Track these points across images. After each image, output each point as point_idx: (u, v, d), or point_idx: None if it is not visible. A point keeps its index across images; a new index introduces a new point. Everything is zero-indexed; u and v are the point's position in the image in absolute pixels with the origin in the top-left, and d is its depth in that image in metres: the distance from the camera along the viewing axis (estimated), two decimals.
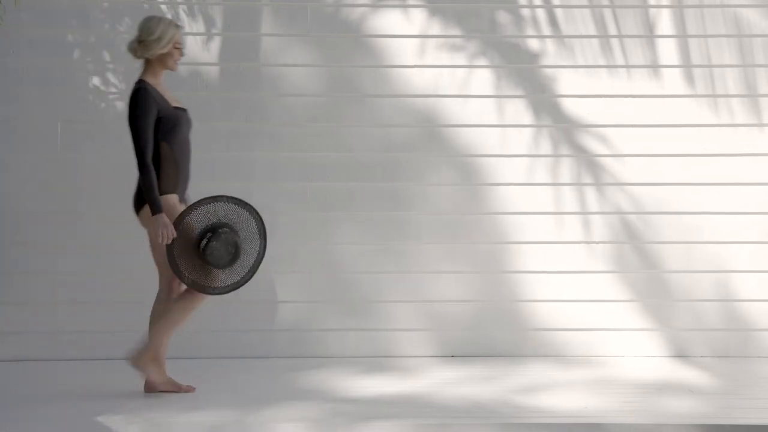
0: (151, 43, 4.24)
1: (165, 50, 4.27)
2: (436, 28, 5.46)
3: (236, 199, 4.29)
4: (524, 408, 4.03)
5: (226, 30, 5.44)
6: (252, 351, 5.33)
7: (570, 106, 5.43)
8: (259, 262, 4.30)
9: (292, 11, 5.45)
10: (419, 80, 5.43)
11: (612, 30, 5.45)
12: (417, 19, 5.46)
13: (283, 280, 5.38)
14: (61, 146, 5.35)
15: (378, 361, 5.14)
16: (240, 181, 5.38)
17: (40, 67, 5.36)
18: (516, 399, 4.19)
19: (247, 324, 5.38)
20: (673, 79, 5.44)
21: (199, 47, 5.43)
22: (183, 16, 5.44)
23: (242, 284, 4.29)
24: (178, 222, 4.17)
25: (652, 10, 5.46)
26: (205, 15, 5.45)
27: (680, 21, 5.45)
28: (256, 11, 5.45)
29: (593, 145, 5.41)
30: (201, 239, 4.19)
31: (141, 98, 4.15)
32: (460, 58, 5.45)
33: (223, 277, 4.24)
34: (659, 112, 5.42)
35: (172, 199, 4.26)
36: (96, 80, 5.40)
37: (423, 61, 5.43)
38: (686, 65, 5.44)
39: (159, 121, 4.20)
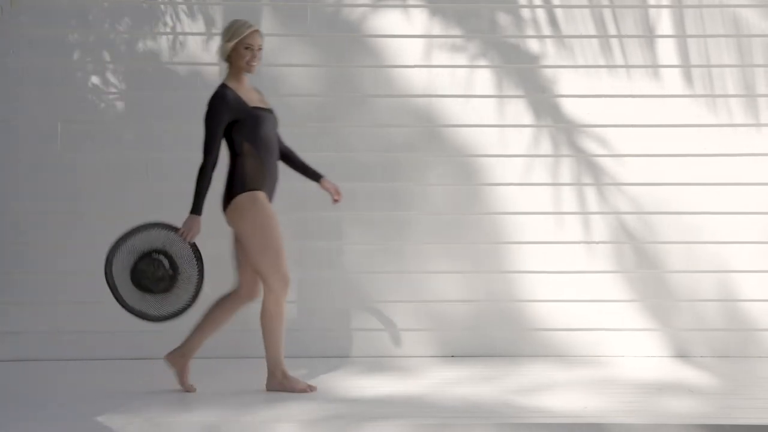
0: (225, 44, 4.37)
1: (238, 51, 4.35)
2: (436, 28, 5.46)
3: (168, 225, 4.30)
4: (524, 408, 4.03)
5: None
6: (251, 351, 5.32)
7: (570, 106, 5.43)
8: (200, 286, 4.33)
9: (292, 11, 5.45)
10: (419, 80, 5.43)
11: (612, 30, 5.45)
12: (417, 19, 5.46)
13: None
14: (61, 146, 5.35)
15: (377, 361, 5.14)
16: None
17: (40, 67, 5.36)
18: (516, 399, 4.19)
19: (246, 324, 5.37)
20: (672, 80, 5.44)
21: (199, 47, 5.43)
22: (183, 16, 5.44)
23: (185, 310, 4.32)
24: (114, 251, 4.24)
25: (651, 11, 5.46)
26: (205, 15, 5.45)
27: (679, 21, 5.45)
28: (256, 11, 5.45)
29: (593, 146, 5.41)
30: (134, 265, 4.24)
31: (213, 103, 4.28)
32: (461, 58, 5.45)
33: (164, 304, 4.27)
34: (659, 112, 5.41)
35: (261, 195, 4.33)
36: (96, 80, 5.40)
37: (423, 61, 5.43)
38: (685, 65, 5.44)
39: (237, 122, 4.29)
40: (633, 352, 5.34)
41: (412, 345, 5.37)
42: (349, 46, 5.46)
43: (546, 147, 5.42)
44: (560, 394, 4.33)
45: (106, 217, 5.33)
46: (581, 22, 5.46)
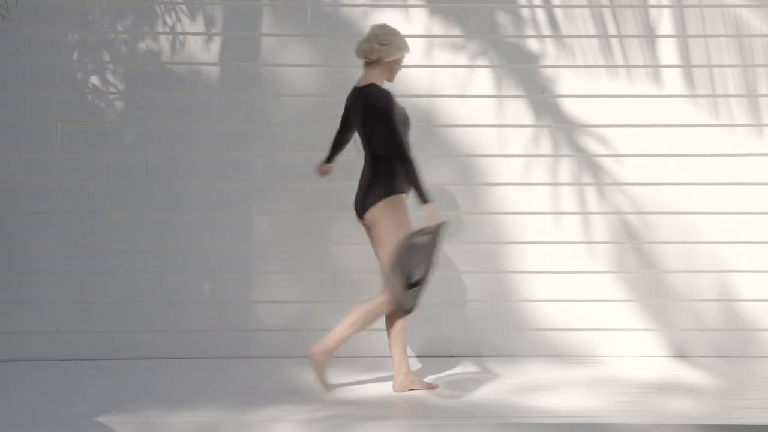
0: (390, 48, 4.44)
1: (399, 56, 4.49)
2: (436, 27, 5.46)
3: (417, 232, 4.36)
4: (524, 408, 4.03)
5: (226, 30, 5.44)
6: (251, 351, 5.33)
7: (570, 106, 5.42)
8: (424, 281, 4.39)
9: (292, 11, 5.45)
10: (419, 80, 5.42)
11: (612, 30, 5.45)
12: (417, 19, 5.46)
13: (282, 280, 5.37)
14: (61, 146, 5.35)
15: (377, 361, 5.14)
16: (240, 181, 5.38)
17: (40, 67, 5.36)
18: (516, 399, 4.19)
19: (246, 324, 5.37)
20: (672, 80, 5.44)
21: (199, 47, 5.43)
22: (183, 16, 5.44)
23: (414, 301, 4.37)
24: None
25: (652, 11, 5.46)
26: (205, 15, 5.44)
27: (680, 21, 5.45)
28: (256, 11, 5.45)
29: (593, 146, 5.41)
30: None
31: (386, 101, 4.35)
32: (460, 58, 5.45)
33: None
34: (659, 112, 5.41)
35: (403, 198, 4.41)
36: (96, 80, 5.41)
37: (423, 60, 5.43)
38: (686, 65, 5.44)
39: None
40: (633, 352, 5.34)
41: (411, 345, 5.37)
42: (348, 45, 5.44)
43: (546, 147, 5.42)
44: (560, 394, 4.33)
45: (106, 216, 5.33)
46: (581, 22, 5.45)
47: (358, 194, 4.50)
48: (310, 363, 4.34)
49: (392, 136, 4.34)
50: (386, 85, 4.52)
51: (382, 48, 4.46)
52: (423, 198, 4.31)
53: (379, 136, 4.38)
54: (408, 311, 4.39)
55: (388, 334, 4.47)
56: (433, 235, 4.34)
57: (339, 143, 4.77)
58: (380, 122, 4.36)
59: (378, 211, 4.39)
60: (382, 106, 4.36)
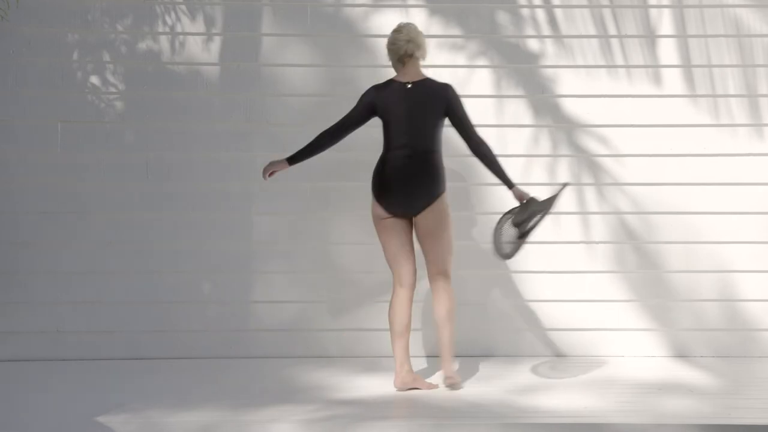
0: (425, 47, 4.58)
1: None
2: (436, 27, 5.46)
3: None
4: (524, 408, 4.03)
5: (226, 30, 5.44)
6: (251, 351, 5.33)
7: (570, 106, 5.42)
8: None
9: (292, 11, 5.45)
10: None
11: (612, 30, 5.44)
12: (417, 19, 5.45)
13: (282, 280, 5.37)
14: (61, 146, 5.35)
15: (377, 361, 5.14)
16: (240, 181, 5.38)
17: (40, 67, 5.36)
18: (516, 399, 4.19)
19: (246, 324, 5.37)
20: (672, 80, 5.44)
21: (199, 47, 5.43)
22: (183, 16, 5.44)
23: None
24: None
25: (652, 11, 5.46)
26: (205, 15, 5.44)
27: (680, 21, 5.44)
28: (256, 11, 5.45)
29: (593, 146, 5.41)
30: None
31: (456, 94, 4.52)
32: (460, 58, 5.45)
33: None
34: (659, 112, 5.41)
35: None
36: (96, 80, 5.40)
37: (423, 60, 5.41)
38: (686, 66, 5.44)
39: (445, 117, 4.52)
40: (633, 352, 5.34)
41: (412, 345, 5.35)
42: (348, 45, 5.46)
43: (545, 147, 5.42)
44: (560, 394, 4.33)
45: (106, 217, 5.33)
46: (581, 22, 5.45)
47: (409, 190, 4.43)
48: (453, 388, 4.43)
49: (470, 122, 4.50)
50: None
51: (423, 44, 4.56)
52: (509, 181, 4.44)
53: (438, 129, 4.48)
54: (503, 257, 4.45)
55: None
56: (551, 199, 4.41)
57: (323, 146, 4.66)
58: (465, 113, 4.48)
59: (444, 202, 4.45)
60: (456, 96, 4.50)
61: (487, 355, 5.33)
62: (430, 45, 5.43)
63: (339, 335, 5.36)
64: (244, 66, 5.43)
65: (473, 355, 5.32)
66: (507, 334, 5.36)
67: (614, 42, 5.44)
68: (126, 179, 5.37)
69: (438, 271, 4.44)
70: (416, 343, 5.05)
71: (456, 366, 4.52)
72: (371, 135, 5.43)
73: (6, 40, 5.33)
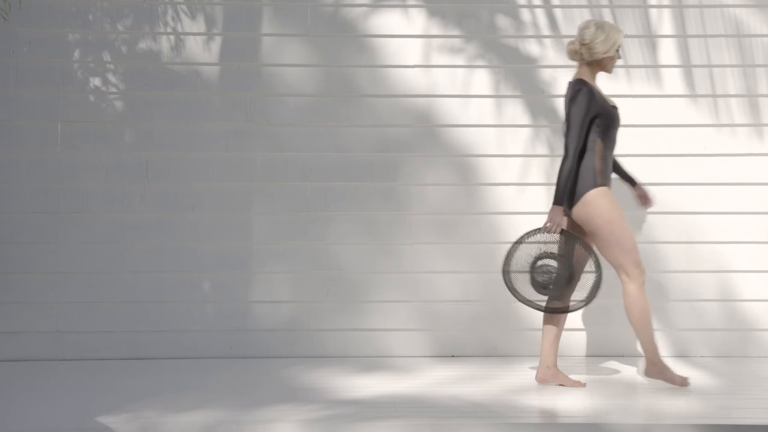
0: (597, 45, 4.41)
1: (610, 54, 4.45)
2: (435, 28, 5.46)
3: (532, 231, 4.47)
4: (523, 408, 4.03)
5: (226, 30, 5.45)
6: (250, 351, 5.33)
7: None
8: (596, 257, 4.46)
9: (291, 11, 5.45)
10: (418, 80, 5.43)
11: None
12: (416, 20, 5.46)
13: (281, 280, 5.38)
14: (61, 146, 5.36)
15: (377, 361, 5.14)
16: (240, 181, 5.38)
17: (40, 67, 5.36)
18: (515, 399, 4.19)
19: (246, 324, 5.38)
20: (672, 80, 5.44)
21: (199, 47, 5.43)
22: (183, 16, 5.44)
23: (599, 283, 4.43)
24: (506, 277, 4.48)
25: (652, 11, 5.46)
26: (205, 15, 5.45)
27: (680, 21, 5.45)
28: (256, 11, 5.45)
29: None
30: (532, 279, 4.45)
31: (583, 97, 4.35)
32: (459, 59, 5.45)
33: (581, 290, 4.47)
34: (659, 112, 5.41)
35: (608, 190, 4.43)
36: (96, 80, 5.41)
37: (422, 61, 5.43)
38: (686, 66, 5.44)
39: (597, 119, 4.39)
40: (632, 352, 5.34)
41: (411, 345, 5.37)
42: (348, 46, 5.46)
43: (544, 147, 5.42)
44: (560, 394, 4.33)
45: (106, 216, 5.33)
46: (580, 22, 5.44)
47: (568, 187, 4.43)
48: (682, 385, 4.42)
49: (570, 130, 4.38)
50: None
51: (583, 48, 4.45)
52: (557, 198, 4.36)
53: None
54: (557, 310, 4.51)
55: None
56: (553, 239, 4.40)
57: (614, 166, 4.68)
58: (571, 116, 4.38)
59: (587, 205, 4.39)
60: (575, 100, 4.38)
61: (487, 355, 5.33)
62: (430, 45, 5.46)
63: (339, 335, 5.36)
64: (244, 66, 5.43)
65: (473, 355, 5.33)
66: (507, 334, 5.36)
67: None
68: (126, 179, 5.38)
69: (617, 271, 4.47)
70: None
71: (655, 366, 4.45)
72: (371, 135, 5.45)
73: (6, 40, 5.33)
